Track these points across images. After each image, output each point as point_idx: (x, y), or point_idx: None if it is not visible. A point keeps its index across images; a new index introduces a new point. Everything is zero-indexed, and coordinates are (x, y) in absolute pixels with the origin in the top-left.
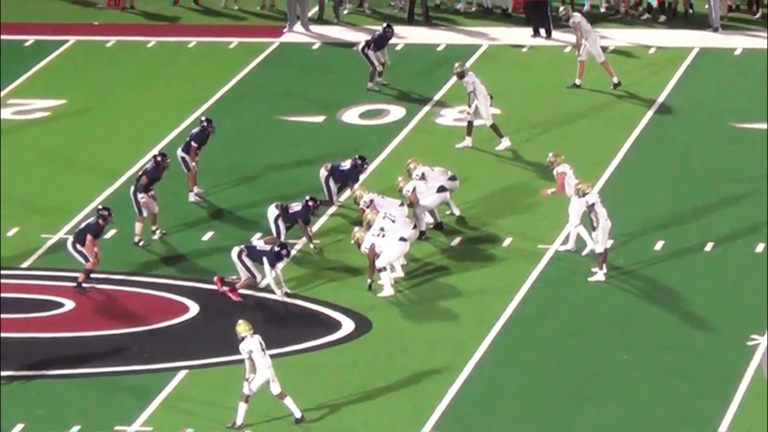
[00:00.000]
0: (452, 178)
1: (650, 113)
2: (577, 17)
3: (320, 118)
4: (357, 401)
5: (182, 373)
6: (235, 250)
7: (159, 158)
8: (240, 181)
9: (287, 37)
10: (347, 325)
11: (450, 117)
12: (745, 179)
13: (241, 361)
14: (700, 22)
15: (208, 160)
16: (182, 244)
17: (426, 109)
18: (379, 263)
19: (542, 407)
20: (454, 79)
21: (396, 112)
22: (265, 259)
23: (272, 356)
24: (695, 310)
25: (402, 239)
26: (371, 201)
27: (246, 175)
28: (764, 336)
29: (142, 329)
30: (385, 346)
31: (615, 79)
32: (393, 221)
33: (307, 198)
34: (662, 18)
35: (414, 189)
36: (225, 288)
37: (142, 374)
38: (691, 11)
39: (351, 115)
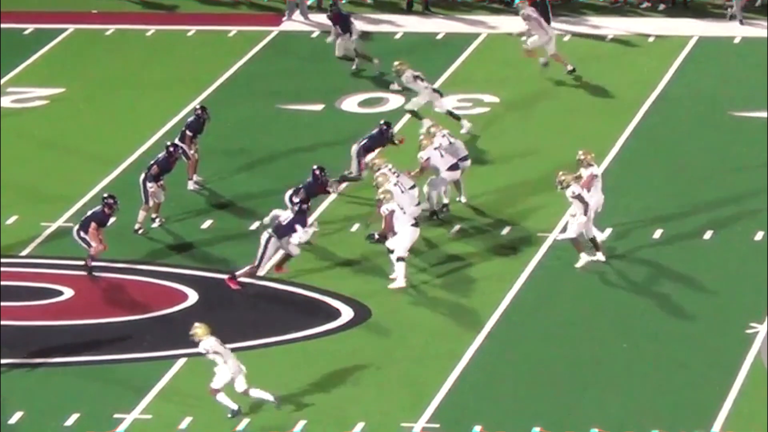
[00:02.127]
0: (464, 158)
1: (649, 102)
2: (528, 10)
3: (319, 107)
4: (356, 389)
5: (181, 362)
6: (264, 235)
7: (171, 148)
8: (239, 170)
9: (286, 25)
10: (347, 313)
11: (449, 105)
12: (745, 168)
13: (238, 349)
14: (699, 10)
15: (207, 149)
16: (181, 232)
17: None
18: (398, 252)
19: (541, 396)
20: (454, 67)
21: (395, 100)
22: (297, 226)
23: (271, 344)
24: (694, 298)
25: (415, 224)
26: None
27: (245, 163)
28: (763, 324)
29: (141, 317)
30: (384, 335)
31: (569, 66)
32: (402, 191)
33: (314, 168)
34: (661, 6)
35: (429, 159)
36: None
37: (141, 362)
38: None
39: (350, 104)
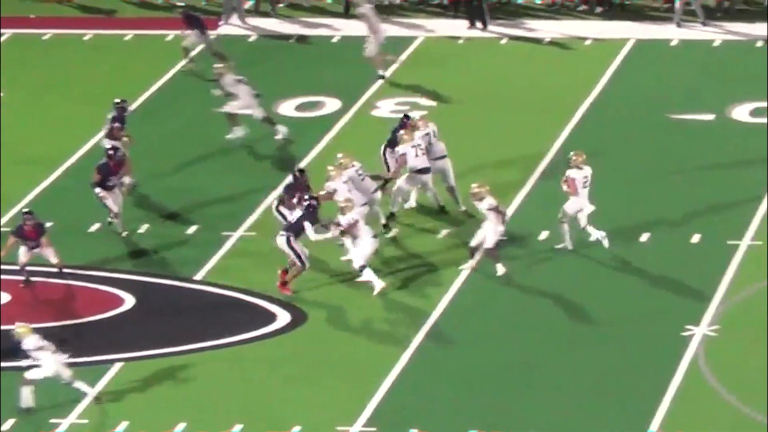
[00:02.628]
0: (441, 157)
1: (587, 105)
2: (365, 8)
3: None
4: (292, 393)
5: (117, 366)
6: (281, 240)
7: (111, 152)
8: (177, 173)
9: (223, 29)
10: (283, 317)
11: (386, 109)
12: (682, 170)
13: (176, 353)
14: (636, 12)
15: (145, 152)
16: (119, 237)
17: (362, 101)
18: (358, 262)
19: (478, 399)
20: (391, 70)
21: (332, 104)
22: (306, 224)
23: (208, 348)
24: (631, 300)
25: (375, 236)
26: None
27: (183, 167)
28: (699, 326)
29: (77, 322)
30: (320, 338)
31: (380, 72)
32: (362, 179)
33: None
34: (598, 9)
35: (405, 154)
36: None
37: (77, 367)
38: (627, 2)
39: (287, 107)
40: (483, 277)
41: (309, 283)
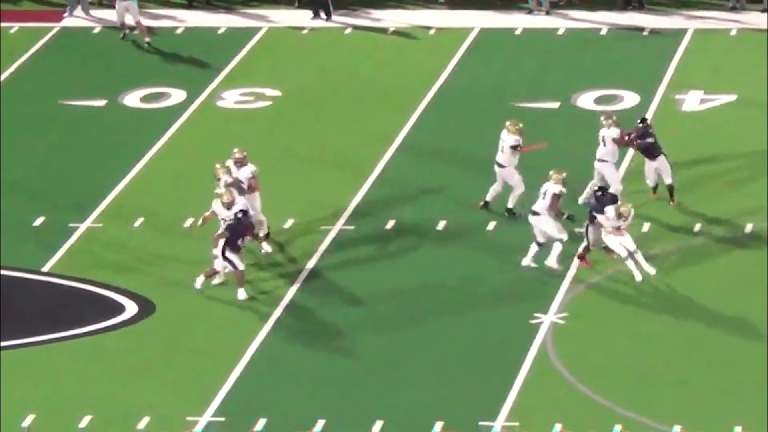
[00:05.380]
0: None
1: (431, 94)
2: None
3: (102, 102)
4: (141, 384)
5: None
6: (219, 250)
7: None
8: (22, 166)
9: (68, 21)
10: (131, 308)
11: (231, 100)
12: (528, 157)
13: (21, 345)
14: (480, 1)
15: None
16: None
17: (207, 92)
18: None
19: (326, 389)
20: (235, 61)
21: (177, 95)
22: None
23: (55, 340)
24: (478, 289)
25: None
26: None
27: (28, 160)
28: (547, 314)
29: None
30: (168, 329)
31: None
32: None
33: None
34: None
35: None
36: None
37: None
38: None
39: (132, 99)
40: (330, 266)
41: (156, 274)
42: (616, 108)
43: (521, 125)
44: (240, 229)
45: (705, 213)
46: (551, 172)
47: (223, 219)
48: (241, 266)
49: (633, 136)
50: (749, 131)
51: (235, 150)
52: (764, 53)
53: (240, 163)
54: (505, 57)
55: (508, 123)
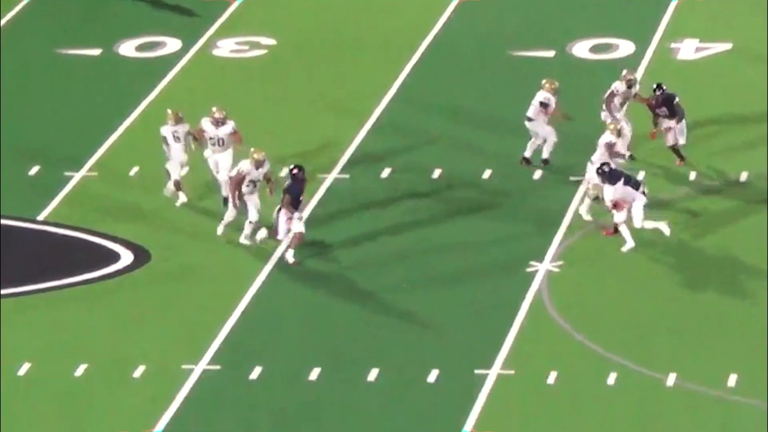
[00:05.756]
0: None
1: (427, 42)
2: None
3: (97, 51)
4: (136, 333)
5: None
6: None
7: None
8: (16, 116)
9: None
10: (126, 257)
11: (226, 48)
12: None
13: (18, 294)
14: None
15: None
16: None
17: (202, 41)
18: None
19: (320, 337)
20: (231, 9)
21: (172, 44)
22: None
23: (51, 288)
24: (477, 237)
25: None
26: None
27: (23, 109)
28: (543, 263)
29: None
30: (164, 278)
31: None
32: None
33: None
34: None
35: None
36: None
37: None
38: None
39: (128, 48)
40: (324, 214)
41: (152, 222)
42: (611, 57)
43: (557, 84)
44: (300, 187)
45: (700, 163)
46: (543, 81)
47: (210, 138)
48: (301, 228)
49: (653, 104)
50: (744, 80)
51: (214, 109)
52: (761, 1)
53: (220, 123)
54: (501, 5)
55: (544, 81)
